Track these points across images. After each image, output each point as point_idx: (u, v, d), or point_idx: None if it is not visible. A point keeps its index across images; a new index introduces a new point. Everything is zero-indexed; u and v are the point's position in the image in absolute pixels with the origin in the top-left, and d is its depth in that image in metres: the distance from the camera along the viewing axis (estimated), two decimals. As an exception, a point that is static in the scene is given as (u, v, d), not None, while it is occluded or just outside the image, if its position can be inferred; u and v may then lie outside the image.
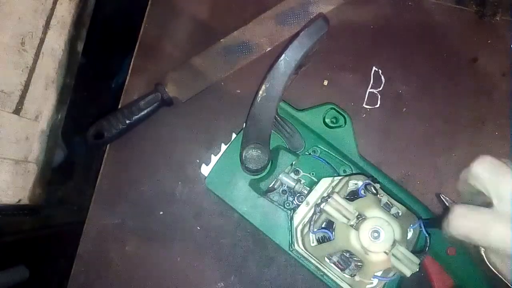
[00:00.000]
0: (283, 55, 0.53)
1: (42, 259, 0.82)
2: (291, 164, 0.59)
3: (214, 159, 0.62)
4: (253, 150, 0.55)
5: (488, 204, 0.41)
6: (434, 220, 0.55)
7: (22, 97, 0.71)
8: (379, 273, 0.54)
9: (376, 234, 0.50)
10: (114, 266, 0.65)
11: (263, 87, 0.53)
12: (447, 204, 0.64)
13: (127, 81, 0.70)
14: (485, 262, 0.62)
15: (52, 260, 0.84)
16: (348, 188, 0.58)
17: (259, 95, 0.54)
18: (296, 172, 0.61)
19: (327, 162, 0.62)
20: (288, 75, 0.53)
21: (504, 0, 0.70)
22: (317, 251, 0.55)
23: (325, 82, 0.69)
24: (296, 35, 0.53)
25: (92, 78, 0.94)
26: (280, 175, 0.59)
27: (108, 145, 0.68)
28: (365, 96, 0.69)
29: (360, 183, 0.57)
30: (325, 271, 0.56)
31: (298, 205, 0.59)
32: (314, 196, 0.58)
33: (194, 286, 0.65)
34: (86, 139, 0.65)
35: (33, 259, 0.78)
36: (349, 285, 0.55)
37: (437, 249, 0.58)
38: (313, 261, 0.56)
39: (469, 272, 0.58)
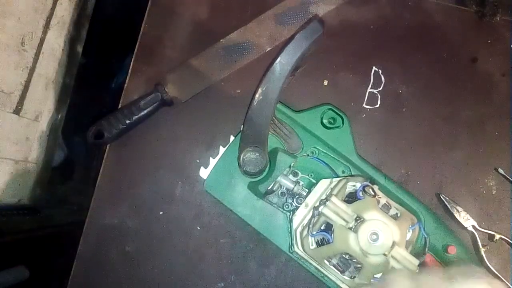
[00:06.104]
0: (279, 58, 0.53)
1: (42, 259, 0.82)
2: (290, 166, 0.59)
3: (212, 162, 0.62)
4: (251, 152, 0.56)
5: None
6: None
7: (22, 97, 0.71)
8: (378, 275, 0.54)
9: (374, 237, 0.50)
10: (114, 266, 0.65)
11: (260, 90, 0.53)
12: (447, 204, 0.64)
13: (127, 81, 0.70)
14: (485, 261, 0.62)
15: (52, 260, 0.84)
16: (347, 190, 0.58)
17: (256, 98, 0.54)
18: (295, 174, 0.61)
19: (326, 163, 0.62)
20: (284, 78, 0.53)
21: (504, 0, 0.70)
22: (317, 253, 0.55)
23: (325, 82, 0.69)
24: (291, 37, 0.53)
25: (92, 78, 0.94)
26: (279, 177, 0.59)
27: (108, 145, 0.68)
28: (365, 96, 0.69)
29: (358, 184, 0.57)
30: (325, 272, 0.56)
31: (297, 207, 0.59)
32: (313, 198, 0.58)
33: (194, 286, 0.65)
34: (86, 139, 0.65)
35: (33, 259, 0.78)
36: (349, 287, 0.55)
37: (437, 248, 0.58)
38: (313, 263, 0.56)
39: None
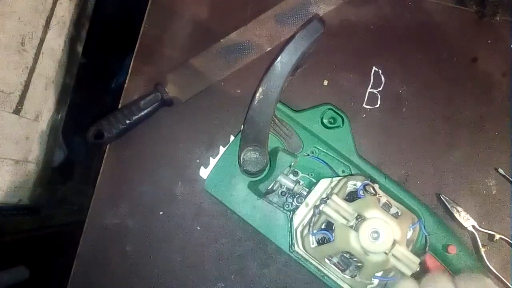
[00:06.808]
0: (279, 58, 0.53)
1: (42, 259, 0.82)
2: (290, 166, 0.59)
3: (212, 161, 0.62)
4: (251, 152, 0.56)
5: None
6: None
7: (22, 97, 0.71)
8: (379, 273, 0.54)
9: (375, 235, 0.50)
10: (114, 266, 0.65)
11: (260, 89, 0.53)
12: (447, 204, 0.64)
13: (127, 81, 0.70)
14: (485, 261, 0.62)
15: (52, 260, 0.84)
16: (347, 189, 0.58)
17: (256, 97, 0.54)
18: (295, 173, 0.61)
19: (326, 163, 0.62)
20: (285, 77, 0.53)
21: (504, 0, 0.70)
22: (317, 252, 0.55)
23: (325, 82, 0.69)
24: (291, 37, 0.53)
25: (92, 78, 0.94)
26: (279, 177, 0.59)
27: (108, 145, 0.68)
28: (365, 96, 0.69)
29: (359, 183, 0.57)
30: (326, 272, 0.56)
31: (298, 207, 0.59)
32: (313, 197, 0.58)
33: (194, 286, 0.65)
34: (86, 139, 0.65)
35: (33, 259, 0.78)
36: (349, 285, 0.55)
37: (437, 248, 0.58)
38: (313, 262, 0.56)
39: (470, 270, 0.58)
